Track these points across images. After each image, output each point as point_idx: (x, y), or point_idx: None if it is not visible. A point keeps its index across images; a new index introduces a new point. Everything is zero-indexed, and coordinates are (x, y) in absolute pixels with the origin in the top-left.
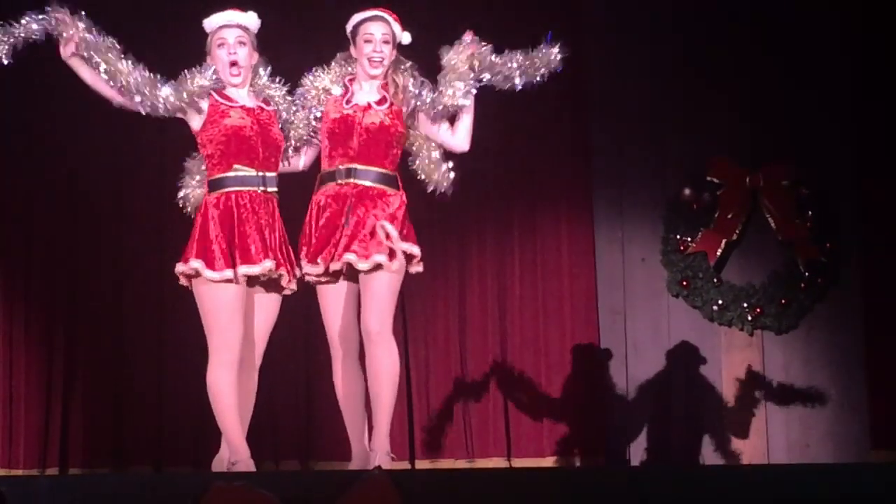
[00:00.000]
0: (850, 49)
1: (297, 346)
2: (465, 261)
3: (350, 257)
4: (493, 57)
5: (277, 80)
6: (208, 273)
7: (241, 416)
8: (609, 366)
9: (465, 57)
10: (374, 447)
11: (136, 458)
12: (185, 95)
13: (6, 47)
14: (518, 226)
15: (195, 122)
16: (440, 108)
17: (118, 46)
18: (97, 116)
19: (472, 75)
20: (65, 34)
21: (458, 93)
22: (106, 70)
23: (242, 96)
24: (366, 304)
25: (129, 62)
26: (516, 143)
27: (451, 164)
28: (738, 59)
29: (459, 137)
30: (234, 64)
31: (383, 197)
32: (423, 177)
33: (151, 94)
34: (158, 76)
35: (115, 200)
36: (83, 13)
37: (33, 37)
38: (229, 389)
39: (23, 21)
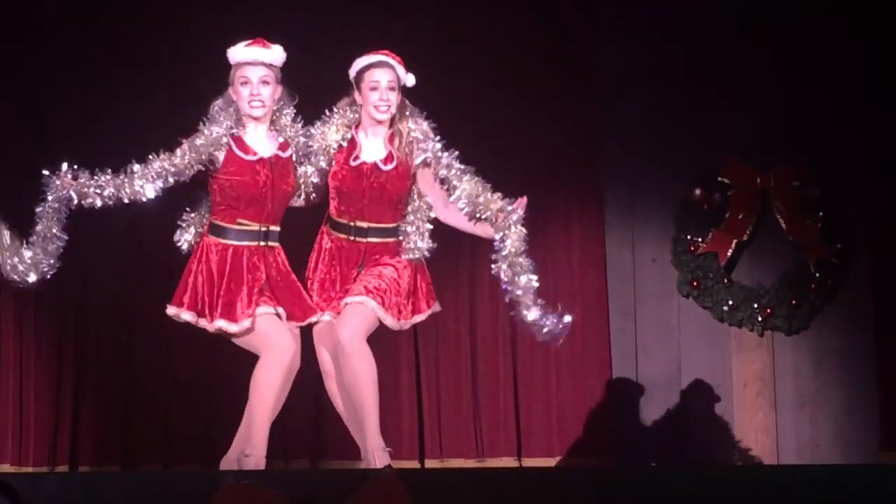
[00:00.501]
0: (859, 49)
1: (307, 346)
2: (475, 261)
3: (370, 302)
4: (513, 245)
5: (299, 121)
6: (202, 323)
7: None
8: (619, 366)
9: (497, 212)
10: (369, 448)
11: (146, 457)
12: (195, 159)
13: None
14: (528, 226)
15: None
16: (449, 184)
17: (114, 175)
18: (105, 118)
19: (484, 209)
20: (68, 194)
21: (461, 198)
22: (123, 198)
23: (261, 139)
24: (342, 317)
25: (136, 176)
26: (526, 144)
27: (432, 242)
28: (747, 59)
29: (445, 218)
30: (256, 104)
31: (395, 249)
32: (406, 242)
33: (162, 179)
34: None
35: (127, 206)
36: (77, 170)
37: (63, 208)
38: (274, 390)
39: (47, 213)
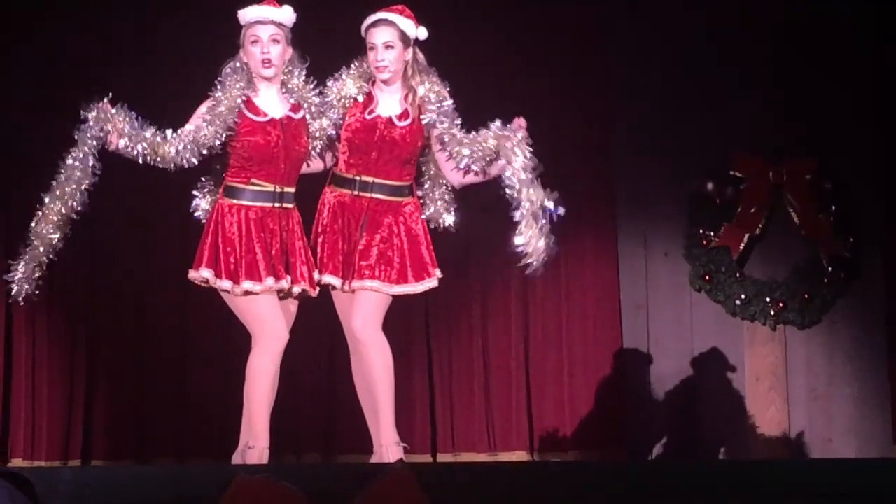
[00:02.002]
0: (872, 42)
1: (320, 338)
2: (486, 254)
3: (373, 284)
4: (518, 162)
5: (311, 82)
6: (220, 283)
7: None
8: (631, 360)
9: (498, 143)
10: (383, 441)
11: (159, 451)
12: (222, 126)
13: (89, 162)
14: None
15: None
16: (448, 150)
17: (156, 131)
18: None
19: (488, 156)
20: (108, 128)
21: (464, 160)
22: (148, 158)
23: (272, 100)
24: (354, 306)
25: (170, 142)
26: (537, 137)
27: (455, 207)
28: (760, 52)
29: (457, 182)
30: (266, 62)
31: (398, 208)
32: (428, 210)
33: (196, 152)
34: (193, 126)
35: (138, 197)
36: (123, 105)
37: (97, 141)
38: (268, 378)
39: (83, 137)
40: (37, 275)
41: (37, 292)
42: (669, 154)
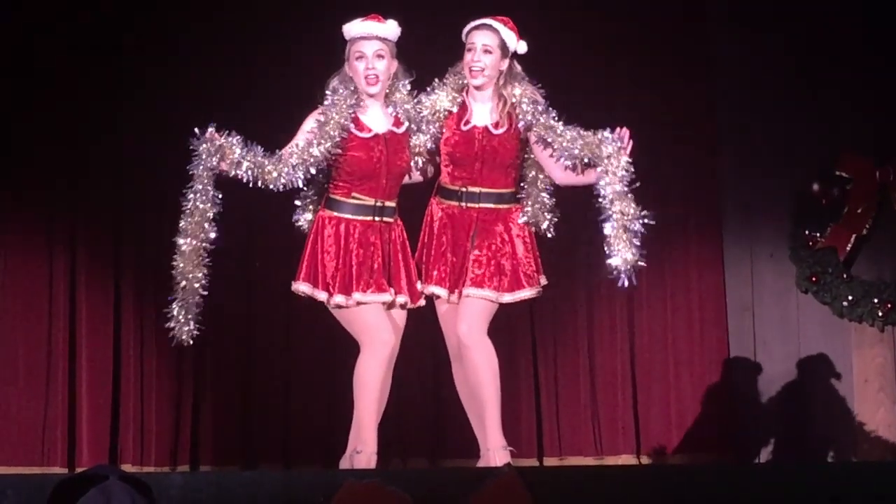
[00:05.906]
0: None
1: (426, 344)
2: (592, 257)
3: (487, 293)
4: (615, 172)
5: (415, 95)
6: (317, 295)
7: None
8: (738, 363)
9: (600, 147)
10: (489, 445)
11: (266, 457)
12: (331, 145)
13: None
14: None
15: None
16: (553, 145)
17: (265, 154)
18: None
19: (590, 154)
20: (217, 159)
21: (564, 154)
22: (259, 182)
23: (376, 116)
24: (460, 311)
25: (279, 164)
26: (641, 139)
27: (556, 211)
28: (868, 51)
29: (561, 179)
30: (371, 79)
31: (507, 216)
32: (527, 214)
33: (306, 171)
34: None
35: (242, 207)
36: (230, 132)
37: (211, 171)
38: (377, 383)
39: (198, 169)
40: (194, 315)
41: (195, 332)
42: (775, 155)
